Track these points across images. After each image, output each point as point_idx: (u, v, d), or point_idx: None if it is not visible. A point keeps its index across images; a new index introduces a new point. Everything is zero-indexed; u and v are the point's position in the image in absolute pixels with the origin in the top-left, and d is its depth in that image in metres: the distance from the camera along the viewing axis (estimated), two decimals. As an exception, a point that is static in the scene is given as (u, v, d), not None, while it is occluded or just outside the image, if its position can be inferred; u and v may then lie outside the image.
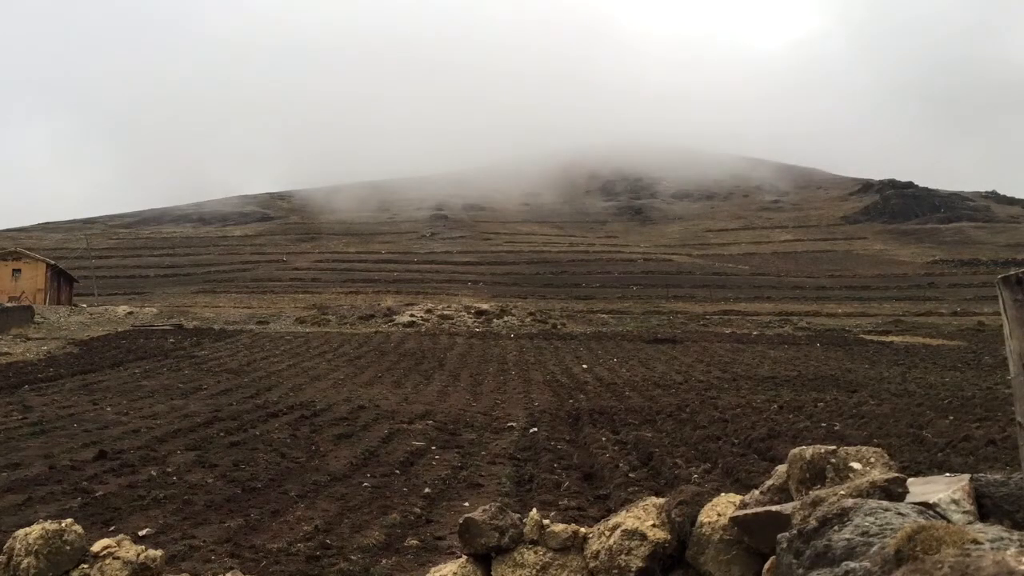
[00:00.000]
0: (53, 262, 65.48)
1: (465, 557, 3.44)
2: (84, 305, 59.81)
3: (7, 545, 3.87)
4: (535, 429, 16.37)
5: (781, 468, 2.97)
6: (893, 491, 2.49)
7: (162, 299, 71.14)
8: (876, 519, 2.17)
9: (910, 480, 2.68)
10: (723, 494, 3.14)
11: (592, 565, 3.19)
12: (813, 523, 2.29)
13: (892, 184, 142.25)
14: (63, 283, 66.51)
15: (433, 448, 14.29)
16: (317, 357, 31.72)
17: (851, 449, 2.84)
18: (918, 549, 1.89)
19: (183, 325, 46.44)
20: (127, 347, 33.42)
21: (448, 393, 22.64)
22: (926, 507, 2.34)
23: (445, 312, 54.62)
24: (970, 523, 2.27)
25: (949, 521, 2.26)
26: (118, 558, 3.79)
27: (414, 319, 51.18)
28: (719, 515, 2.96)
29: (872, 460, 2.78)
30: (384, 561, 7.65)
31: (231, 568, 5.38)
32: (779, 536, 2.44)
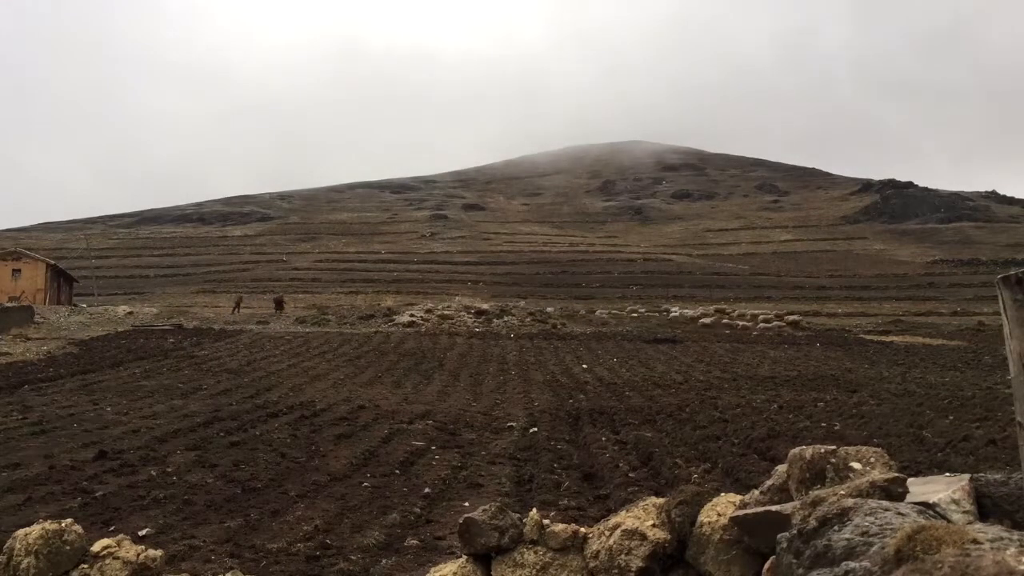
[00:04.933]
0: (53, 262, 65.47)
1: (465, 557, 3.45)
2: (84, 305, 59.80)
3: (7, 545, 3.87)
4: (535, 429, 16.36)
5: (781, 468, 2.98)
6: (893, 491, 2.49)
7: (161, 299, 71.11)
8: (876, 519, 2.17)
9: (910, 480, 2.68)
10: (723, 494, 3.14)
11: (592, 565, 3.19)
12: (813, 523, 2.29)
13: (892, 184, 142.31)
14: (63, 283, 66.51)
15: (433, 448, 14.28)
16: (317, 357, 31.70)
17: (851, 449, 2.84)
18: (918, 549, 1.89)
19: (183, 325, 46.43)
20: (127, 347, 33.41)
21: (448, 393, 22.63)
22: (926, 507, 2.34)
23: (445, 312, 54.61)
24: (970, 523, 2.27)
25: (949, 521, 2.26)
26: (118, 558, 3.79)
27: (414, 319, 51.15)
28: (719, 515, 2.96)
29: (872, 460, 2.78)
30: (384, 561, 7.65)
31: (231, 568, 5.38)
32: (779, 536, 2.44)
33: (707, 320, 54.60)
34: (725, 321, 53.92)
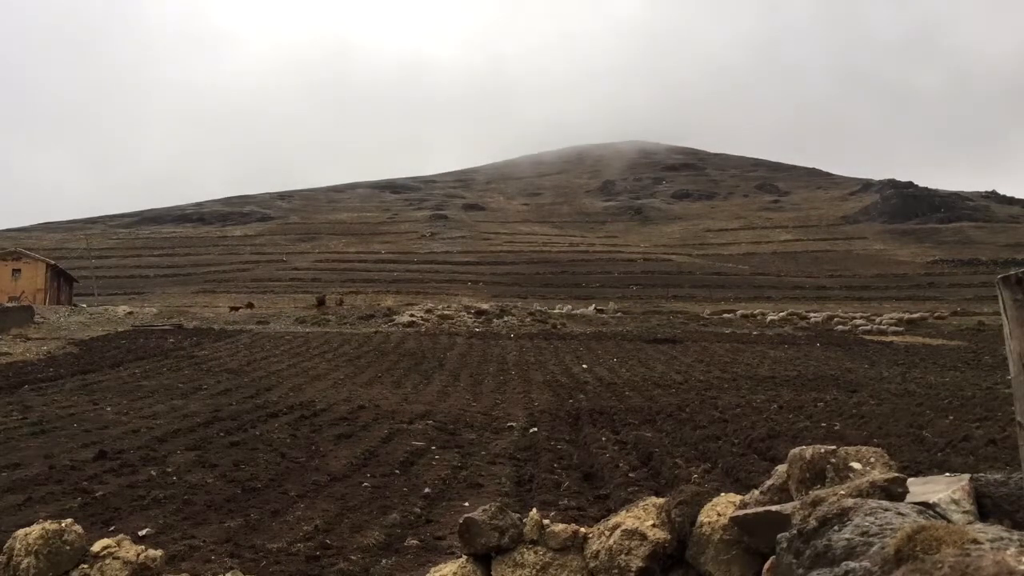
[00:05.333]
0: (53, 262, 65.44)
1: (465, 557, 3.45)
2: (84, 305, 59.78)
3: (7, 545, 3.87)
4: (535, 429, 16.36)
5: (781, 468, 2.97)
6: (893, 491, 2.49)
7: (161, 299, 71.10)
8: (876, 519, 2.17)
9: (910, 480, 2.68)
10: (723, 494, 3.14)
11: (592, 565, 3.19)
12: (813, 523, 2.29)
13: (892, 184, 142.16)
14: (63, 283, 66.49)
15: (433, 448, 14.29)
16: (317, 357, 31.70)
17: (851, 449, 2.84)
18: (918, 549, 1.89)
19: (183, 325, 46.43)
20: (127, 347, 33.40)
21: (448, 393, 22.62)
22: (926, 507, 2.34)
23: (445, 312, 54.61)
24: (970, 523, 2.27)
25: (949, 521, 2.26)
26: (118, 558, 3.79)
27: (414, 319, 51.16)
28: (719, 515, 2.96)
29: (872, 460, 2.78)
30: (384, 561, 7.65)
31: (231, 568, 5.38)
32: (779, 536, 2.44)
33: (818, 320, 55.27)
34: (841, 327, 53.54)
